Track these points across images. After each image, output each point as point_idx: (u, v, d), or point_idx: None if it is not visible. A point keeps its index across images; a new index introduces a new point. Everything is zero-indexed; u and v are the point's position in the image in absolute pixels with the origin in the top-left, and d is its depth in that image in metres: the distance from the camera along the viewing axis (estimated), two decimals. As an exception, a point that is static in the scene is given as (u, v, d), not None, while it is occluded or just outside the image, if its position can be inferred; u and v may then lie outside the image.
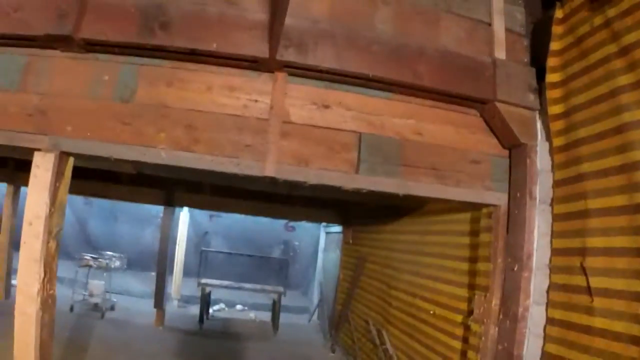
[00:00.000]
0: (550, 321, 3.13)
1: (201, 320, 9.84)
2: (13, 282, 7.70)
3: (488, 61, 3.36)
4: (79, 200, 13.63)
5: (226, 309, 12.18)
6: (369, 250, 7.50)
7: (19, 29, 2.91)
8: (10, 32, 2.93)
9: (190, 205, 10.03)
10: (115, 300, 10.22)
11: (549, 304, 3.16)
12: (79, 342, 6.91)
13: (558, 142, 3.24)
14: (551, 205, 3.29)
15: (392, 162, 3.29)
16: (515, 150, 3.46)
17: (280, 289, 10.41)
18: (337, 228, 9.95)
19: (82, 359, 6.20)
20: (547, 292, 3.19)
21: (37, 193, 3.04)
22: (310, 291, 12.74)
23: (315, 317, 11.30)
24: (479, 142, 3.51)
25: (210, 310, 10.90)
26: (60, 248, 3.41)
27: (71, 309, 8.89)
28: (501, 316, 3.44)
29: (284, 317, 10.50)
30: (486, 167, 3.49)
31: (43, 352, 3.25)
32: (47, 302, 3.26)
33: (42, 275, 3.13)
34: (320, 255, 11.91)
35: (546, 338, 3.14)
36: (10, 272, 8.25)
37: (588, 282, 2.84)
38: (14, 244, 8.11)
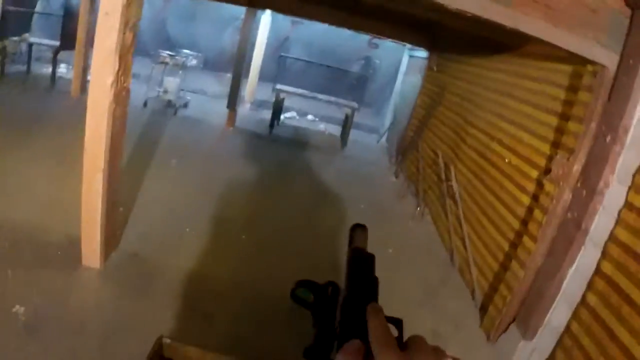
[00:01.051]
0: (628, 205, 2.81)
1: (272, 125, 9.98)
2: (89, 78, 7.88)
3: None
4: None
5: (297, 117, 12.30)
6: (453, 80, 7.05)
7: None
8: None
9: (273, 8, 9.57)
10: (189, 98, 10.43)
11: (633, 187, 2.82)
12: (150, 137, 7.21)
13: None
14: (665, 82, 2.79)
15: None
16: (640, 12, 2.89)
17: (354, 104, 10.26)
18: (421, 53, 9.37)
19: (152, 153, 6.48)
20: (634, 174, 2.83)
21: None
22: (383, 112, 12.56)
23: (384, 139, 11.28)
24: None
25: (282, 117, 10.96)
26: (137, 45, 3.33)
27: (145, 104, 9.11)
28: (579, 184, 3.18)
29: (353, 134, 10.53)
30: (603, 20, 2.94)
31: (114, 143, 3.33)
32: (121, 95, 3.27)
33: (117, 67, 3.10)
34: (399, 77, 11.47)
35: (619, 221, 2.85)
36: (87, 68, 8.33)
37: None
38: (91, 41, 8.13)
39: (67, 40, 8.59)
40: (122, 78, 3.23)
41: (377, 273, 0.61)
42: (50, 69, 9.31)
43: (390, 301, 0.66)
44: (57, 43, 8.87)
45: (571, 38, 2.97)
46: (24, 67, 9.47)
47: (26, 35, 9.22)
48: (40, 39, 9.52)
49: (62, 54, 9.07)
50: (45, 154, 5.44)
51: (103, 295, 3.37)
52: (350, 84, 11.71)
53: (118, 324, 3.06)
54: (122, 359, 2.74)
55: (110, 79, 3.10)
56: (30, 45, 9.44)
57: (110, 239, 3.72)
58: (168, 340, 1.88)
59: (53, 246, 3.68)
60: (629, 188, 2.82)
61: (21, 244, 3.64)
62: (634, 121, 2.85)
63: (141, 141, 6.60)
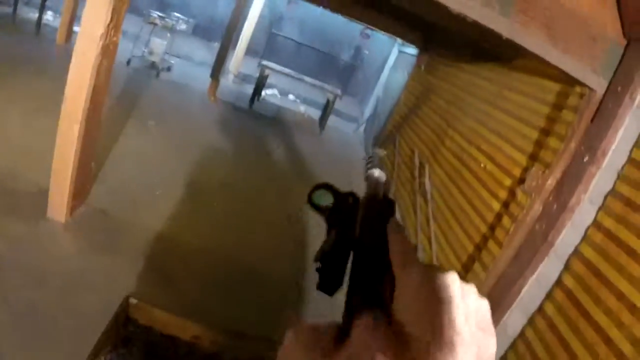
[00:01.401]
0: (597, 224, 2.90)
1: (252, 100, 9.91)
2: (75, 29, 7.57)
3: None
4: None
5: (279, 96, 12.22)
6: (439, 83, 7.10)
7: None
8: None
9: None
10: (172, 62, 10.27)
11: (603, 209, 2.91)
12: (130, 95, 7.07)
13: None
14: (648, 115, 2.87)
15: (506, 0, 2.83)
16: (635, 44, 2.95)
17: (338, 91, 10.23)
18: (411, 50, 9.39)
19: (132, 111, 6.38)
20: (606, 196, 2.92)
21: None
22: (365, 102, 12.58)
23: (361, 129, 11.30)
24: (602, 17, 2.98)
25: (263, 93, 10.90)
26: (130, 2, 3.26)
27: (128, 62, 8.93)
28: (551, 198, 3.26)
29: (332, 121, 10.55)
30: (600, 46, 3.01)
31: (96, 96, 3.27)
32: (109, 48, 3.20)
33: (109, 20, 3.03)
34: (386, 71, 11.49)
35: (585, 239, 2.95)
36: (74, 18, 8.15)
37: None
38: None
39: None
40: (112, 31, 3.16)
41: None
42: (37, 14, 9.00)
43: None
44: (48, -12, 8.60)
45: (566, 59, 3.02)
46: (10, 10, 9.15)
47: (15, -23, 8.89)
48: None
49: (50, 1, 8.80)
50: (25, 100, 5.29)
51: (65, 249, 3.32)
52: (337, 70, 11.65)
53: (78, 278, 3.01)
54: (81, 313, 2.70)
55: (100, 30, 3.04)
56: (19, -12, 9.10)
57: (79, 193, 3.66)
58: (135, 301, 1.86)
59: (21, 194, 3.60)
60: (599, 208, 2.91)
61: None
62: (614, 146, 2.93)
63: (120, 99, 6.46)
